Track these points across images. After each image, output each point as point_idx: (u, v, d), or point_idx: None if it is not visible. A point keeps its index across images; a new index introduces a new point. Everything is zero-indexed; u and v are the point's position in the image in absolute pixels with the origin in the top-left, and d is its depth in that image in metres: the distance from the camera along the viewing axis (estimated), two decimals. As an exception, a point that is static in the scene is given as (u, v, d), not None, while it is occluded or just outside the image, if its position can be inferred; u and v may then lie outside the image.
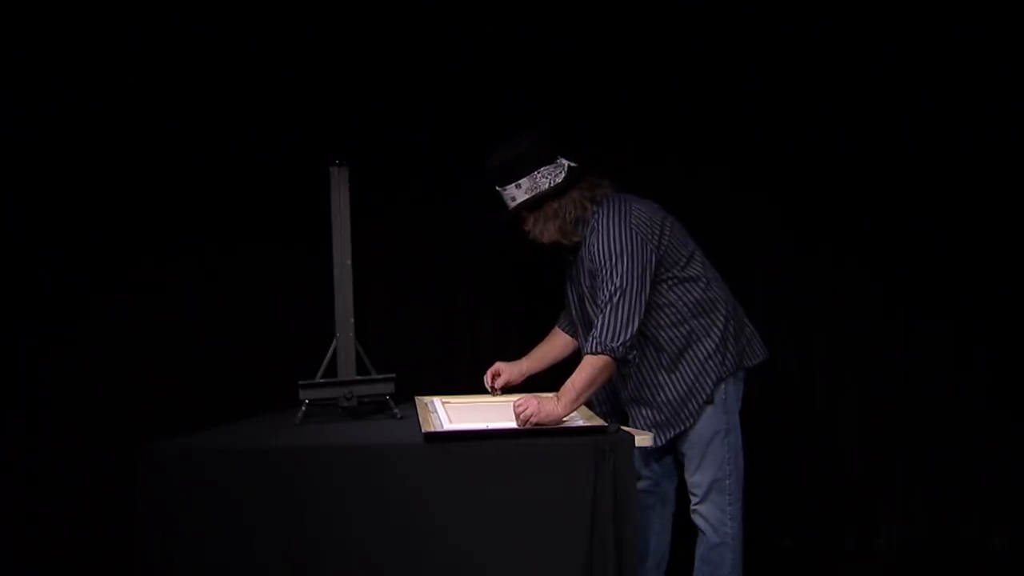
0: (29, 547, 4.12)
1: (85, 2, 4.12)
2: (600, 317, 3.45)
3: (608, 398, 3.77)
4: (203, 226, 4.22)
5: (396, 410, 3.55)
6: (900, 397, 4.46)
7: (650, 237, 3.54)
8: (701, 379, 3.60)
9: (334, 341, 3.63)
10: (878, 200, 4.43)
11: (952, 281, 4.43)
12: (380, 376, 3.58)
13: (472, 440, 3.26)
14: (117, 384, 4.17)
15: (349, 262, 3.64)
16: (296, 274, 4.16)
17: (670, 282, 3.59)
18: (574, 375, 3.42)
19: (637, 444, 3.31)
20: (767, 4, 4.32)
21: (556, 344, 3.91)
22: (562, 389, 3.41)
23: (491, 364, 3.87)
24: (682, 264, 3.61)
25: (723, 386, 3.62)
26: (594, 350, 3.42)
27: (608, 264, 3.49)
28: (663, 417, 3.62)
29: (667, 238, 3.58)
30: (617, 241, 3.50)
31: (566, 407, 3.37)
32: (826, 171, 4.42)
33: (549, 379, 3.79)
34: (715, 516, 3.65)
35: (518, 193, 3.59)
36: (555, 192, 3.58)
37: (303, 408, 3.50)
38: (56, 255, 4.17)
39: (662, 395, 3.62)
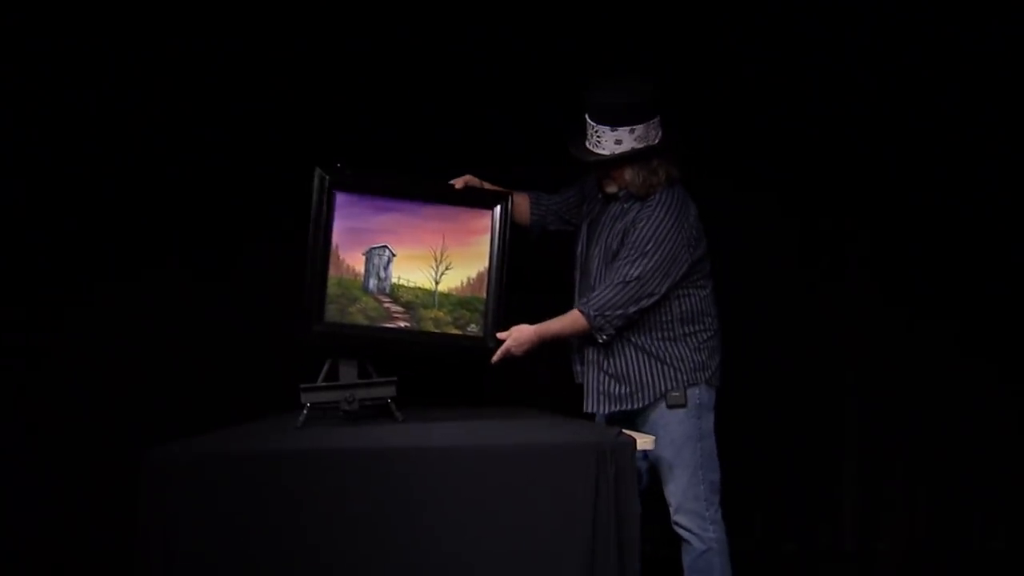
0: (31, 551, 4.11)
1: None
2: (607, 285, 3.54)
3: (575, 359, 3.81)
4: (204, 228, 4.23)
5: (398, 413, 3.55)
6: (901, 398, 4.47)
7: (693, 247, 3.59)
8: (668, 375, 3.62)
9: (335, 344, 3.63)
10: (879, 198, 4.44)
11: (953, 280, 4.44)
12: (381, 380, 3.57)
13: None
14: (118, 388, 4.17)
15: (350, 265, 3.64)
16: (297, 277, 4.15)
17: (678, 290, 3.62)
18: (556, 320, 3.57)
19: (639, 447, 3.32)
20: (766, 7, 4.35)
21: (519, 205, 3.83)
22: (541, 325, 3.58)
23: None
24: (696, 275, 3.65)
25: (696, 391, 3.64)
26: (585, 310, 3.55)
27: (641, 248, 3.53)
28: (624, 390, 3.64)
29: (700, 252, 3.64)
30: (663, 233, 3.54)
31: (539, 334, 3.57)
32: (826, 169, 4.43)
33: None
34: (696, 524, 3.65)
35: (627, 138, 3.56)
36: (661, 148, 3.60)
37: (305, 412, 3.50)
38: (56, 256, 4.17)
39: (629, 371, 3.64)
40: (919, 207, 4.44)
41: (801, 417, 4.49)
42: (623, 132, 3.55)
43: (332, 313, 3.56)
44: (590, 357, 3.69)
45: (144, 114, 4.19)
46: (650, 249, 3.52)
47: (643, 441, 3.37)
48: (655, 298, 3.55)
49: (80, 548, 4.13)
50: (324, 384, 3.54)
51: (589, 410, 3.70)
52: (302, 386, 3.51)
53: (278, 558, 3.13)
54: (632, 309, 3.54)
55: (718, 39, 4.36)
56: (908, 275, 4.45)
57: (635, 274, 3.52)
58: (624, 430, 3.41)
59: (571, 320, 3.57)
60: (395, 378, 3.57)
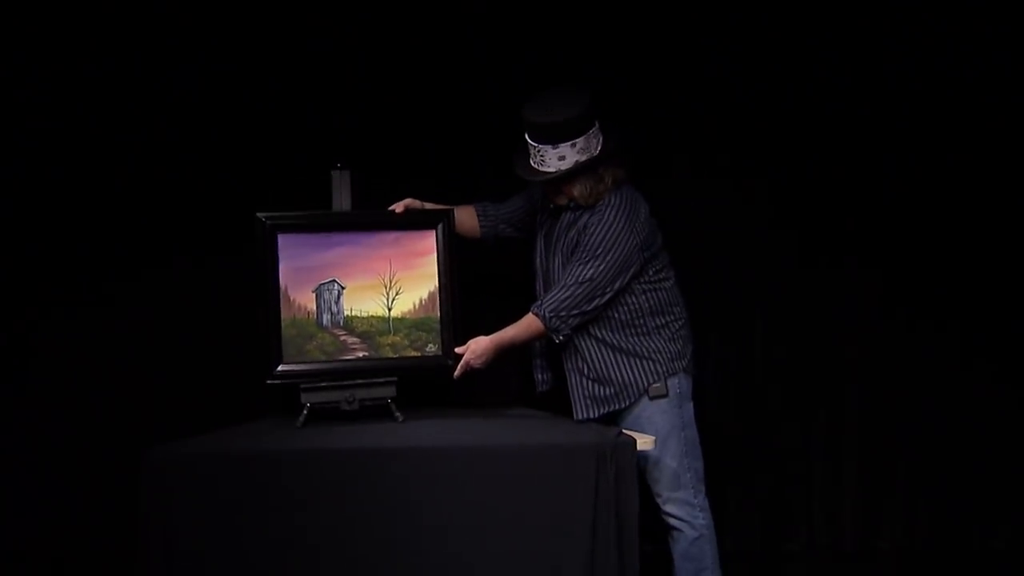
0: (31, 551, 4.11)
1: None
2: (560, 287, 3.56)
3: (551, 365, 3.82)
4: (207, 227, 4.22)
5: (398, 413, 3.55)
6: (901, 398, 4.46)
7: (645, 247, 3.60)
8: (648, 369, 3.63)
9: (336, 344, 3.63)
10: (879, 197, 4.44)
11: (953, 281, 4.43)
12: (381, 379, 3.58)
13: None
14: (118, 388, 4.16)
15: (350, 266, 3.65)
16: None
17: (643, 285, 3.64)
18: (511, 328, 3.58)
19: (639, 448, 3.32)
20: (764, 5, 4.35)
21: (466, 221, 3.85)
22: (497, 334, 3.57)
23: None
24: (655, 270, 3.66)
25: (676, 380, 3.65)
26: (540, 312, 3.56)
27: (593, 251, 3.55)
28: (609, 392, 3.65)
29: (655, 247, 3.65)
30: (613, 235, 3.55)
31: (496, 343, 3.56)
32: (826, 169, 4.43)
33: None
34: (686, 512, 3.66)
35: (570, 153, 3.55)
36: (604, 156, 3.60)
37: (304, 412, 3.50)
38: (56, 256, 4.17)
39: (610, 373, 3.65)
40: (920, 207, 4.43)
41: (801, 416, 4.49)
42: (565, 148, 3.55)
43: (290, 354, 3.57)
44: (570, 366, 3.72)
45: (146, 114, 4.18)
46: (601, 252, 3.54)
47: (643, 441, 3.37)
48: (608, 296, 3.57)
49: (80, 548, 4.13)
50: (324, 384, 3.54)
51: (578, 418, 3.70)
52: (302, 386, 3.52)
53: (278, 558, 3.14)
54: (587, 308, 3.56)
55: (719, 38, 4.36)
56: (908, 275, 4.44)
57: (588, 275, 3.54)
58: (624, 431, 3.42)
59: (526, 324, 3.59)
60: (395, 378, 3.58)
